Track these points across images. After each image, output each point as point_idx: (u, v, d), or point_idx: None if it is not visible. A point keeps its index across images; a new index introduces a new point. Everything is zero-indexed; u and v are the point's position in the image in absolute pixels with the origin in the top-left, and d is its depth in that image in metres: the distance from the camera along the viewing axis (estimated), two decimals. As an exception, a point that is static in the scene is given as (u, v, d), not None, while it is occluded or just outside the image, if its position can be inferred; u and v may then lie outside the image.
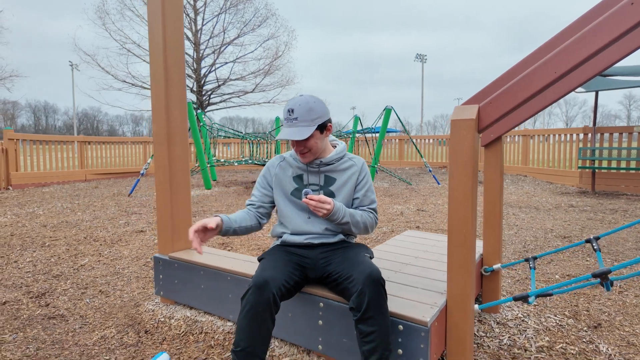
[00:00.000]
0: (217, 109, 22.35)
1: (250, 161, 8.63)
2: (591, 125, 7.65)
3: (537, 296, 1.55)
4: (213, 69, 21.02)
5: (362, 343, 1.39)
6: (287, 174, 1.77)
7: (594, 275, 1.40)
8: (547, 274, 2.86)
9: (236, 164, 8.40)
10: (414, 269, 2.01)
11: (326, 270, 1.62)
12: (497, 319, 2.10)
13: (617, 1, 1.65)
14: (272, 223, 4.67)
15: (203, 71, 20.79)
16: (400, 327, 1.46)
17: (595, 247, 1.78)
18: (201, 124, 8.89)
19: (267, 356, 1.72)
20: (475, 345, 1.85)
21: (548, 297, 2.40)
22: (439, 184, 8.76)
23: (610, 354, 1.78)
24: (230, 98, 21.94)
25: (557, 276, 2.80)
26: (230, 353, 1.80)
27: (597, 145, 7.46)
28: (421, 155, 9.44)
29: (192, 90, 20.70)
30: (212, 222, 1.54)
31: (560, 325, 2.06)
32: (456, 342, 1.54)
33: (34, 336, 2.01)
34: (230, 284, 1.97)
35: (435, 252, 2.35)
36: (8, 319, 2.20)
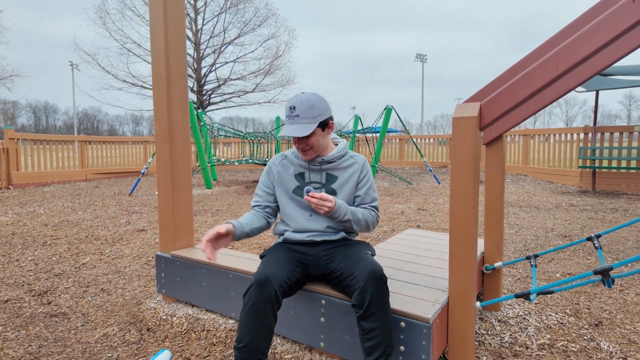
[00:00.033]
0: (217, 109, 22.36)
1: (250, 161, 8.64)
2: (591, 124, 7.66)
3: (539, 294, 1.56)
4: (213, 68, 21.03)
5: (364, 339, 1.39)
6: (289, 172, 1.78)
7: (596, 272, 1.40)
8: (547, 272, 2.86)
9: (237, 163, 8.41)
10: (415, 267, 2.02)
11: (328, 268, 1.62)
12: (499, 317, 2.11)
13: (617, 0, 1.66)
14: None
15: (203, 71, 20.80)
16: (402, 324, 1.46)
17: (596, 245, 1.79)
18: (202, 123, 8.89)
19: (269, 353, 1.72)
20: (477, 343, 1.85)
21: (549, 296, 2.40)
22: (439, 183, 8.76)
23: (612, 352, 1.78)
24: (230, 98, 21.95)
25: (557, 275, 2.81)
26: (232, 350, 1.81)
27: (598, 144, 7.46)
28: (422, 155, 9.45)
29: (192, 90, 20.71)
30: (223, 227, 1.56)
31: (562, 323, 2.06)
32: (458, 339, 1.54)
33: (36, 334, 2.02)
34: (232, 281, 1.97)
35: (436, 250, 2.36)
36: (10, 317, 2.20)
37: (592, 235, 1.85)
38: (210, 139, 9.43)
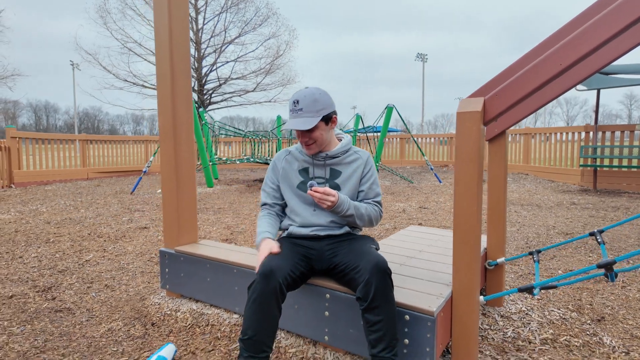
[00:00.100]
0: (218, 108, 22.35)
1: (252, 159, 8.65)
2: (592, 124, 7.66)
3: (542, 288, 1.57)
4: (214, 68, 21.01)
5: (368, 332, 1.40)
6: (293, 167, 1.79)
7: (599, 266, 1.41)
8: (550, 269, 2.87)
9: (238, 162, 8.42)
10: (418, 262, 2.03)
11: (332, 262, 1.63)
12: (501, 313, 2.11)
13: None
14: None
15: (204, 70, 20.79)
16: (407, 317, 1.47)
17: (599, 240, 1.80)
18: (203, 122, 8.90)
19: (273, 346, 1.73)
20: (480, 338, 1.86)
21: (551, 292, 2.41)
22: (440, 182, 8.77)
23: (614, 346, 1.79)
24: (231, 97, 21.93)
25: (559, 271, 2.82)
26: (236, 344, 1.82)
27: (599, 143, 7.47)
28: (423, 154, 9.45)
29: (193, 89, 20.70)
30: (275, 247, 1.57)
31: (564, 318, 2.07)
32: (462, 332, 1.55)
33: (41, 328, 2.03)
34: (236, 276, 1.98)
35: (439, 246, 2.37)
36: (15, 312, 2.21)
37: (595, 230, 1.85)
38: (211, 138, 9.45)
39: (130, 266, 3.03)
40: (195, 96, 20.61)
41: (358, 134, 10.51)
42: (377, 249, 1.73)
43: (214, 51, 20.84)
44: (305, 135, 1.65)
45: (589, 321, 2.04)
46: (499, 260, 2.11)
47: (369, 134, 10.86)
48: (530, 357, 1.71)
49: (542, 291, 2.43)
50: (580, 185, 7.74)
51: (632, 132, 7.44)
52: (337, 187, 1.73)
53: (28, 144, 8.79)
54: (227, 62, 21.25)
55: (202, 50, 20.50)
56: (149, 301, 2.30)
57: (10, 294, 2.46)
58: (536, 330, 1.93)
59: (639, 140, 7.88)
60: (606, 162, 7.36)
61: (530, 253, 2.05)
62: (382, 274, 1.40)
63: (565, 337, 1.87)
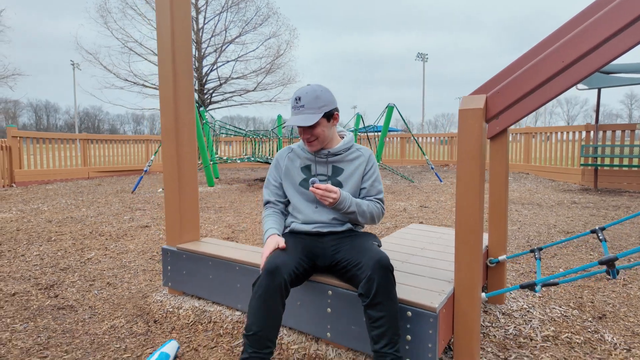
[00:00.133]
0: (218, 108, 22.37)
1: (252, 159, 8.66)
2: (593, 123, 7.66)
3: (544, 285, 1.57)
4: (215, 67, 21.03)
5: (371, 328, 1.41)
6: (296, 164, 1.79)
7: (601, 263, 1.42)
8: (551, 267, 2.88)
9: (239, 161, 8.43)
10: (420, 259, 2.03)
11: (335, 259, 1.64)
12: (503, 310, 2.12)
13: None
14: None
15: (205, 70, 20.80)
16: (409, 313, 1.48)
17: (600, 237, 1.80)
18: (204, 121, 8.91)
19: (277, 341, 1.74)
20: (482, 335, 1.87)
21: (552, 289, 2.42)
22: (441, 181, 8.77)
23: (616, 343, 1.80)
24: (231, 97, 21.95)
25: (560, 269, 2.82)
26: (239, 341, 1.82)
27: (600, 142, 7.47)
28: (423, 153, 9.46)
29: (194, 89, 20.69)
30: (282, 242, 1.60)
31: (565, 316, 2.07)
32: (464, 329, 1.56)
33: (44, 326, 2.04)
34: (238, 273, 1.99)
35: (440, 243, 2.37)
36: (18, 309, 2.22)
37: (597, 227, 1.86)
38: (212, 137, 9.45)
39: (132, 264, 3.04)
40: (195, 95, 20.58)
41: (359, 134, 10.51)
42: (379, 245, 1.73)
43: (215, 51, 20.85)
44: (307, 132, 1.66)
45: (590, 318, 2.05)
46: (501, 257, 2.12)
47: (369, 134, 10.87)
48: (531, 354, 1.72)
49: (543, 289, 2.43)
50: (581, 185, 7.74)
51: (633, 131, 7.45)
52: (339, 185, 1.73)
53: (29, 143, 8.80)
54: (228, 61, 21.27)
55: (203, 50, 20.51)
56: (151, 299, 2.31)
57: (13, 292, 2.47)
58: (538, 328, 1.94)
59: (639, 140, 7.88)
60: (607, 161, 7.37)
61: (532, 250, 2.05)
62: (385, 270, 1.40)
63: (566, 334, 1.88)
